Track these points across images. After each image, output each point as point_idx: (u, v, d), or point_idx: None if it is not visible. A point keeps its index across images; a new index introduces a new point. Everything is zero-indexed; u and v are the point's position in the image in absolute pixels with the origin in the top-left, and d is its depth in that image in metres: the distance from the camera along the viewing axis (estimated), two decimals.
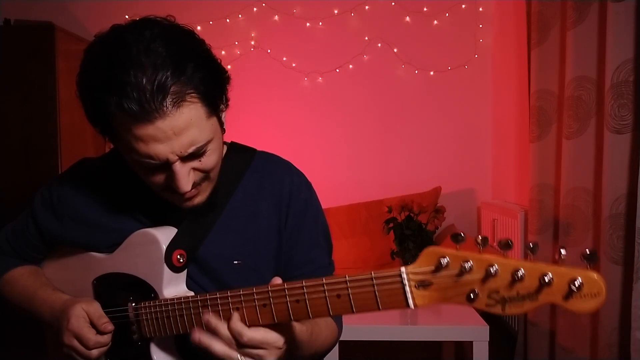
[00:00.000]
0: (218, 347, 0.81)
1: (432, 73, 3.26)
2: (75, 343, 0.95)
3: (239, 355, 0.81)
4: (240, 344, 0.80)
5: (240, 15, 3.28)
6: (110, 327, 0.97)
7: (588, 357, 1.97)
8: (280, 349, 0.83)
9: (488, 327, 1.89)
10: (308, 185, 1.09)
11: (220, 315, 0.85)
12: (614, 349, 1.81)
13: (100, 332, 0.97)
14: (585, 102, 1.98)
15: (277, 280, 0.83)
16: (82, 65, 0.85)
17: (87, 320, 0.97)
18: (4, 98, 2.72)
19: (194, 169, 0.89)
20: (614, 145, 1.79)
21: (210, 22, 3.22)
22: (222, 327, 0.81)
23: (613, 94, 1.78)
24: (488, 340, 1.89)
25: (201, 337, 0.82)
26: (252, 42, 3.29)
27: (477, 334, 1.89)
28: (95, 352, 0.96)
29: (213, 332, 0.82)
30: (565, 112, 2.07)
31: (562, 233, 2.11)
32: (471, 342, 1.91)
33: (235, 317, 0.81)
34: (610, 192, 1.81)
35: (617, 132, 1.78)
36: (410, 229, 2.21)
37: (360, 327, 1.91)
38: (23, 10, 3.11)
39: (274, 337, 0.81)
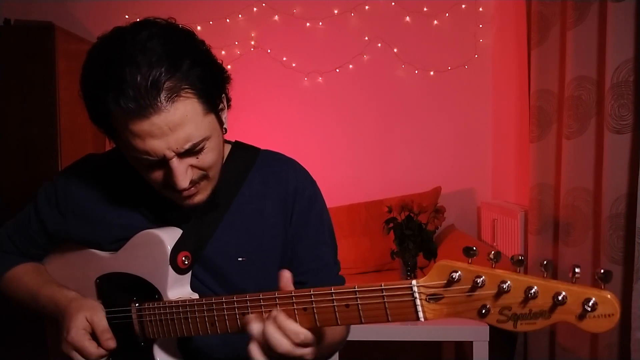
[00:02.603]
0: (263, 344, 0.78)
1: (432, 73, 3.26)
2: (75, 355, 0.95)
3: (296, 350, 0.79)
4: (295, 343, 0.78)
5: (240, 15, 3.28)
6: (112, 344, 0.96)
7: (588, 357, 1.98)
8: (316, 347, 0.82)
9: (488, 327, 1.89)
10: (312, 182, 1.10)
11: (225, 318, 0.85)
12: (614, 349, 1.81)
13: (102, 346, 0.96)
14: (585, 102, 1.98)
15: (286, 274, 0.82)
16: (83, 65, 0.87)
17: (88, 330, 0.96)
18: (4, 98, 2.72)
19: (192, 166, 0.89)
20: (614, 145, 1.79)
21: (210, 22, 3.22)
22: (269, 325, 0.78)
23: (613, 94, 1.78)
24: (488, 340, 1.89)
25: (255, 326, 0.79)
26: (252, 42, 3.28)
27: (477, 334, 1.89)
28: None
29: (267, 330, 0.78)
30: (565, 112, 2.07)
31: (562, 233, 2.11)
32: (471, 342, 1.91)
33: (284, 315, 0.78)
34: (610, 192, 1.81)
35: (617, 132, 1.78)
36: (410, 229, 2.21)
37: (361, 327, 1.90)
38: (23, 10, 3.11)
39: (313, 337, 0.80)
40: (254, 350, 0.79)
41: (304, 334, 0.77)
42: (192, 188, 0.91)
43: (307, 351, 0.80)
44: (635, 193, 1.69)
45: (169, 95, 0.81)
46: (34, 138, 2.71)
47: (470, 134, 3.28)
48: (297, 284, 0.84)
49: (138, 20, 0.88)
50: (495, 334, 1.94)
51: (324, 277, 1.02)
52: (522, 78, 2.71)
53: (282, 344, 0.76)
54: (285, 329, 0.77)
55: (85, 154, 1.14)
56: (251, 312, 0.82)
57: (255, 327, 0.79)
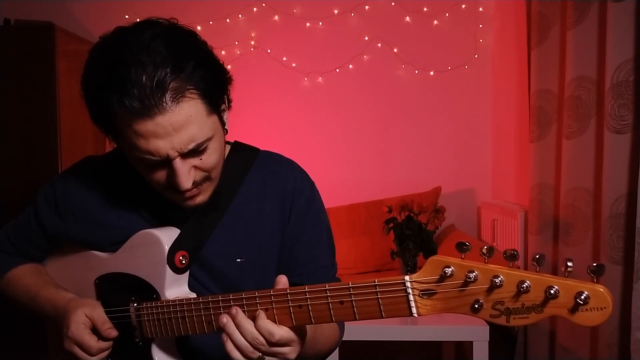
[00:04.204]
0: (241, 341, 0.81)
1: (432, 73, 3.26)
2: (77, 350, 0.95)
3: (259, 354, 0.81)
4: (270, 343, 0.80)
5: (240, 15, 3.28)
6: (114, 333, 0.97)
7: (588, 357, 1.97)
8: (299, 345, 0.84)
9: (488, 327, 1.89)
10: (311, 184, 1.10)
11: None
12: (614, 349, 1.81)
13: (103, 338, 0.97)
14: (585, 102, 1.98)
15: (283, 279, 0.84)
16: (85, 65, 0.87)
17: (88, 326, 0.96)
18: (4, 98, 2.72)
19: (195, 167, 0.89)
20: (614, 145, 1.79)
21: (210, 22, 3.22)
22: (247, 323, 0.81)
23: (613, 94, 1.78)
24: (488, 340, 1.89)
25: (229, 323, 0.81)
26: (252, 42, 3.29)
27: (477, 334, 1.89)
28: (95, 359, 0.96)
29: (237, 327, 0.81)
30: (565, 112, 2.07)
31: (562, 233, 2.11)
32: (471, 342, 1.91)
33: (263, 315, 0.81)
34: (610, 192, 1.81)
35: (617, 132, 1.78)
36: (410, 229, 2.21)
37: (360, 327, 1.91)
38: (23, 10, 3.11)
39: (294, 335, 0.82)
40: (230, 348, 0.81)
41: (279, 334, 0.80)
42: (195, 189, 0.91)
43: (286, 350, 0.82)
44: (635, 193, 1.69)
45: (174, 96, 0.81)
46: (34, 138, 2.72)
47: (470, 134, 3.28)
48: (294, 285, 0.85)
49: (140, 20, 0.88)
50: (496, 333, 1.94)
51: (320, 279, 1.02)
52: (522, 78, 2.71)
53: (258, 341, 0.80)
54: (259, 328, 0.80)
55: (84, 156, 1.14)
56: (246, 310, 0.83)
57: (229, 325, 0.82)
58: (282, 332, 0.80)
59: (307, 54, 3.28)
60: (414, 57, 3.25)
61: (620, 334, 1.79)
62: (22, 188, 2.69)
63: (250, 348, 0.80)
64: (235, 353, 0.81)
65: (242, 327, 0.81)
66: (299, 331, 0.84)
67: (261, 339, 0.80)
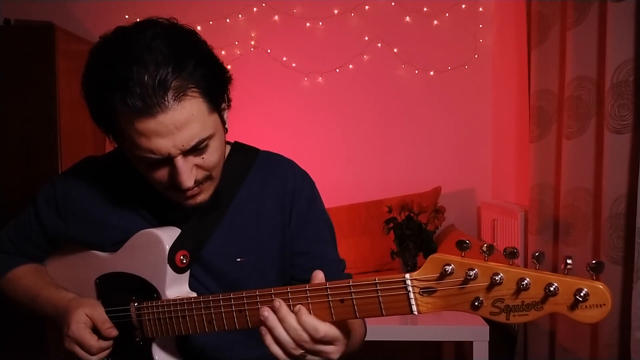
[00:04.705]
0: (283, 336, 0.76)
1: (432, 73, 3.26)
2: (77, 349, 0.96)
3: (302, 351, 0.77)
4: (315, 340, 0.76)
5: (240, 15, 3.28)
6: (114, 332, 0.97)
7: (588, 357, 1.98)
8: (344, 345, 0.80)
9: (488, 327, 1.89)
10: (311, 184, 1.10)
11: (223, 316, 0.85)
12: (614, 349, 1.81)
13: (104, 338, 0.97)
14: (585, 102, 1.98)
15: (319, 274, 0.80)
16: (86, 64, 0.87)
17: (89, 325, 0.97)
18: (4, 98, 2.72)
19: (197, 166, 0.90)
20: (614, 145, 1.79)
21: (210, 22, 3.22)
22: (291, 318, 0.77)
23: (613, 94, 1.78)
24: (488, 340, 1.89)
25: (271, 316, 0.77)
26: (252, 42, 3.29)
27: (477, 334, 1.89)
28: (95, 358, 0.97)
29: (280, 321, 0.77)
30: (565, 112, 2.07)
31: (562, 233, 2.11)
32: (471, 342, 1.91)
33: (305, 310, 0.77)
34: (610, 192, 1.81)
35: (617, 132, 1.78)
36: (410, 229, 2.21)
37: None
38: (23, 10, 3.11)
39: (340, 333, 0.78)
40: (269, 341, 0.77)
41: (324, 330, 0.76)
42: (196, 188, 0.91)
43: (330, 349, 0.78)
44: (635, 193, 1.69)
45: (176, 95, 0.81)
46: (34, 138, 2.72)
47: (470, 134, 3.28)
48: (303, 281, 0.84)
49: (140, 20, 0.88)
50: (496, 333, 1.94)
51: (331, 274, 1.01)
52: (522, 78, 2.71)
53: (301, 338, 0.76)
54: (303, 323, 0.76)
55: (85, 156, 1.14)
56: (246, 309, 0.82)
57: (271, 318, 0.78)
58: (327, 328, 0.76)
59: (307, 54, 3.28)
60: (414, 57, 3.25)
61: (620, 333, 1.79)
62: (22, 188, 2.69)
63: (292, 344, 0.76)
64: (274, 347, 0.77)
65: (285, 322, 0.76)
66: (344, 329, 0.80)
67: (305, 335, 0.76)
